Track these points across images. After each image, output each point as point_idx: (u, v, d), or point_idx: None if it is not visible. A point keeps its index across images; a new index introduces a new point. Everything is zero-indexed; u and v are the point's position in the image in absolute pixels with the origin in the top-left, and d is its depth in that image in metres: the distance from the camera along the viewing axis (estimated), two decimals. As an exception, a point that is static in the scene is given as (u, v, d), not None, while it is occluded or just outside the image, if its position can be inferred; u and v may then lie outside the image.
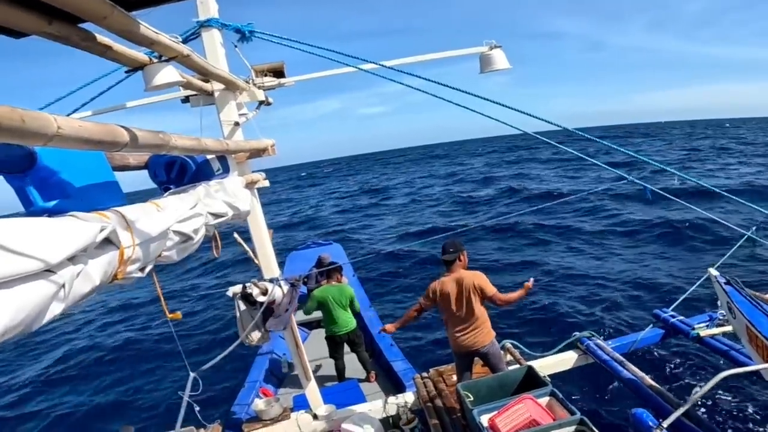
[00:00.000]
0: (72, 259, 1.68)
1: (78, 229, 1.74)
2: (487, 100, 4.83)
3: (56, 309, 1.58)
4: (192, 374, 3.12)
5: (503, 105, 4.83)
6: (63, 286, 1.59)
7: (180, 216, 2.66)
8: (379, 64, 5.37)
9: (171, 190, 3.11)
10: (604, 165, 5.93)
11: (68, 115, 3.90)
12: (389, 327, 6.47)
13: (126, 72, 3.25)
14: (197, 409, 3.16)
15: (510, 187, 36.36)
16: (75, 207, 1.96)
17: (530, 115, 4.89)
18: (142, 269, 2.30)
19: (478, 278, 5.96)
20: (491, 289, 5.94)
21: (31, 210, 2.04)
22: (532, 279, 6.04)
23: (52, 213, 1.84)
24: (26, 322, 1.43)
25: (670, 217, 20.13)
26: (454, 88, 4.90)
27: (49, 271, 1.54)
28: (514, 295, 5.99)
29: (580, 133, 5.33)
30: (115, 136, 1.89)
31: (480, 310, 5.98)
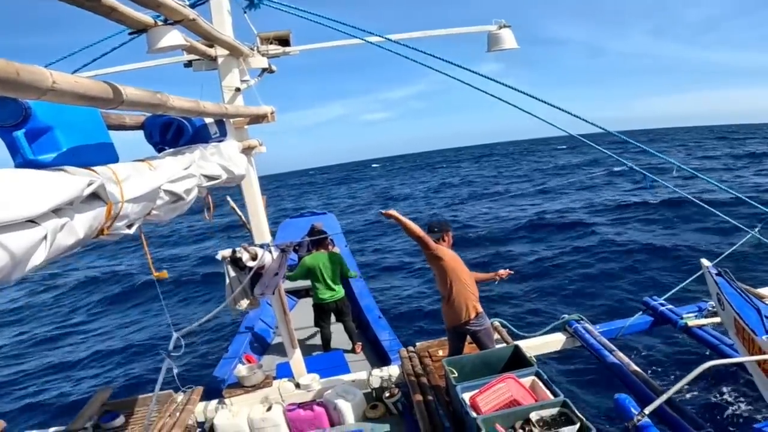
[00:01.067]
0: (57, 212, 1.69)
1: (65, 182, 1.75)
2: (527, 94, 4.84)
3: (37, 260, 1.59)
4: (175, 334, 3.12)
5: (550, 104, 4.86)
6: (45, 237, 1.60)
7: (172, 176, 2.66)
8: (385, 38, 5.33)
9: (166, 151, 3.10)
10: (609, 153, 5.93)
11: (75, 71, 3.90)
12: (392, 211, 6.11)
13: (129, 34, 3.22)
14: (176, 371, 3.15)
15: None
16: (65, 162, 1.96)
17: (577, 116, 4.94)
18: (129, 226, 2.31)
19: (454, 256, 5.99)
20: (460, 264, 6.02)
21: (19, 163, 2.03)
22: (507, 270, 6.22)
23: (40, 166, 1.83)
24: (5, 271, 1.44)
25: (671, 210, 20.19)
26: (483, 76, 4.91)
27: (32, 221, 1.54)
28: (482, 275, 6.27)
29: (619, 135, 5.36)
30: (111, 93, 1.89)
31: (459, 285, 5.92)
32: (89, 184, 1.85)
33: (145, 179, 2.35)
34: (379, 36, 5.34)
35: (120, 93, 1.95)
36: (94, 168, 2.03)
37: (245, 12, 5.34)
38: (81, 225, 1.82)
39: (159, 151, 3.33)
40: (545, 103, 5.00)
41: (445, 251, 5.95)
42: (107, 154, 2.44)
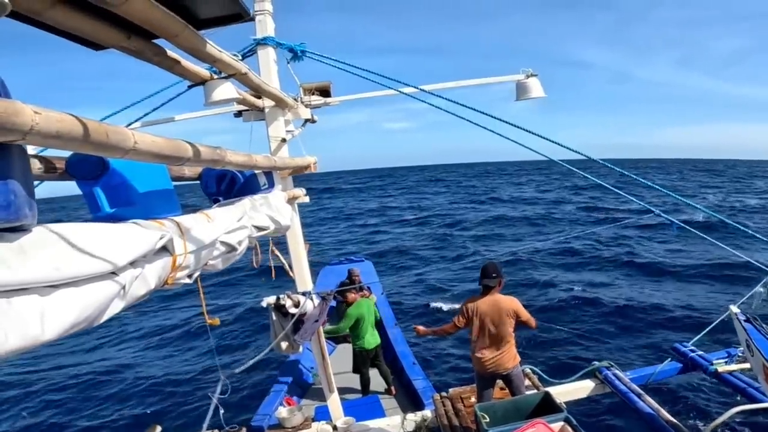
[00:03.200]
0: (132, 263, 1.83)
1: (140, 235, 1.90)
2: (519, 127, 4.97)
3: (116, 308, 1.73)
4: (222, 377, 3.24)
5: (535, 133, 4.99)
6: (124, 287, 1.74)
7: (228, 227, 2.80)
8: (420, 89, 5.51)
9: (220, 202, 3.26)
10: (630, 197, 5.97)
11: (130, 125, 4.12)
12: (421, 328, 6.59)
13: (189, 86, 3.42)
14: (222, 412, 3.27)
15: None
16: (137, 214, 2.11)
17: (562, 146, 5.04)
18: (189, 276, 2.44)
19: (515, 303, 6.08)
20: (525, 314, 6.10)
21: (97, 215, 2.18)
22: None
23: (115, 219, 1.98)
24: (90, 319, 1.58)
25: (695, 252, 20.02)
26: (487, 114, 5.05)
27: (113, 273, 1.68)
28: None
29: (607, 164, 5.46)
30: (181, 151, 2.04)
31: (511, 335, 6.07)
32: (161, 238, 1.99)
33: (206, 231, 2.48)
34: (413, 87, 5.53)
35: (188, 150, 2.10)
36: (162, 220, 2.18)
37: (288, 62, 5.59)
38: (152, 275, 1.96)
39: (213, 201, 3.49)
40: (559, 144, 5.10)
41: (475, 309, 6.11)
42: (171, 205, 2.60)
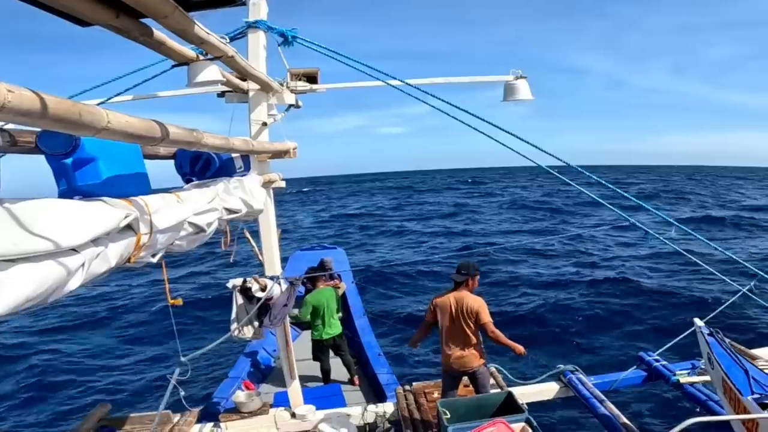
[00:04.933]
0: (94, 241, 1.82)
1: (105, 214, 1.88)
2: (508, 132, 4.99)
3: (73, 285, 1.71)
4: (183, 358, 3.23)
5: (522, 139, 5.01)
6: (83, 265, 1.73)
7: (197, 209, 2.79)
8: (405, 82, 5.49)
9: (193, 183, 3.24)
10: (609, 206, 6.02)
11: (109, 99, 4.08)
12: (413, 344, 6.70)
13: (173, 66, 3.39)
14: (182, 393, 3.26)
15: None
16: (105, 192, 2.10)
17: (545, 152, 5.07)
18: (154, 255, 2.43)
19: (478, 303, 6.02)
20: (485, 318, 5.99)
21: (63, 190, 2.17)
22: (524, 351, 6.13)
23: (83, 195, 1.96)
24: (46, 295, 1.57)
25: (668, 265, 20.25)
26: (477, 117, 5.06)
27: (73, 250, 1.67)
28: (507, 340, 6.06)
29: (588, 173, 5.51)
30: (155, 132, 2.03)
31: (474, 334, 6.06)
32: (126, 217, 1.98)
33: (173, 212, 2.47)
34: (399, 80, 5.51)
35: (163, 131, 2.09)
36: (130, 199, 2.16)
37: (279, 46, 5.56)
38: (113, 254, 1.95)
39: (187, 181, 3.47)
40: (543, 151, 5.13)
41: (438, 304, 6.20)
42: (142, 184, 2.59)
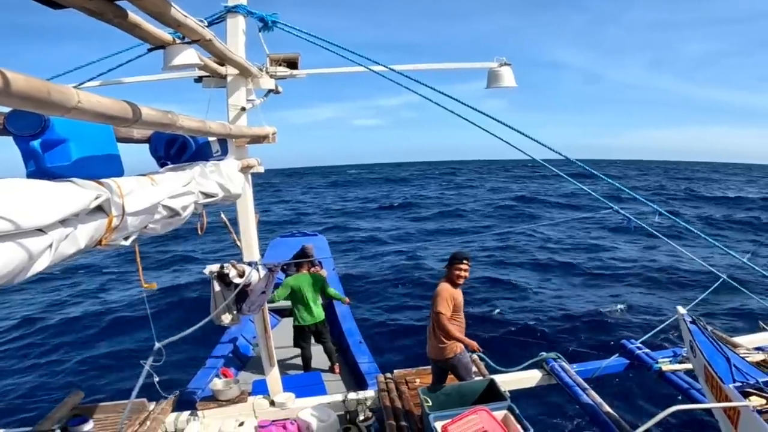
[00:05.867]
0: (63, 222, 1.78)
1: (73, 194, 1.84)
2: (502, 123, 4.96)
3: (40, 266, 1.67)
4: (157, 344, 3.19)
5: (516, 130, 4.97)
6: (50, 245, 1.68)
7: (172, 192, 2.74)
8: (389, 68, 5.43)
9: (168, 167, 3.19)
10: (598, 196, 6.02)
11: (81, 84, 4.00)
12: (475, 345, 6.11)
13: (149, 50, 3.34)
14: (157, 379, 3.22)
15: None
16: (76, 174, 2.04)
17: (541, 144, 5.04)
18: (126, 238, 2.39)
19: (437, 292, 5.91)
20: (436, 307, 5.84)
21: (31, 171, 2.12)
22: (477, 348, 5.97)
23: (52, 177, 1.92)
24: (10, 276, 1.52)
25: (651, 254, 20.48)
26: (468, 106, 5.02)
27: (40, 230, 1.63)
28: (457, 335, 5.87)
29: (583, 166, 5.50)
30: (128, 113, 1.98)
31: (437, 324, 5.91)
32: (96, 198, 1.94)
33: (147, 194, 2.43)
34: (383, 66, 5.45)
35: (136, 112, 2.04)
36: (101, 180, 2.11)
37: (259, 31, 5.49)
38: (83, 235, 1.90)
39: (161, 165, 3.42)
40: (528, 137, 5.10)
41: (439, 290, 5.99)
42: (114, 167, 2.54)
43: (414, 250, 21.60)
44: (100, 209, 2.03)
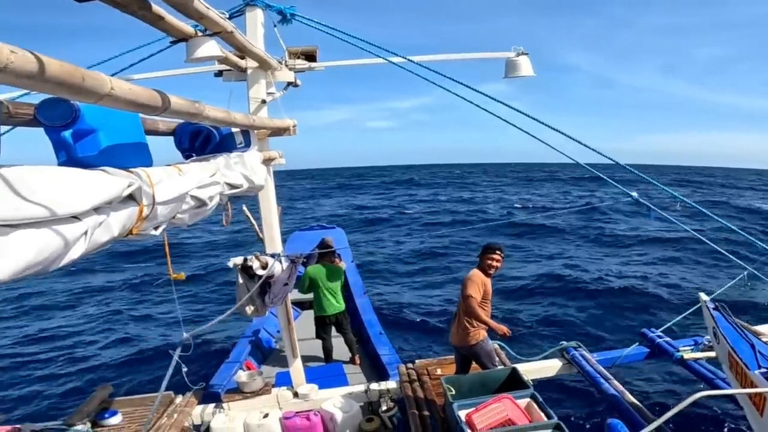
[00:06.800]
0: (97, 210, 1.79)
1: (107, 182, 1.86)
2: (538, 121, 4.92)
3: (75, 254, 1.70)
4: (185, 335, 3.21)
5: (559, 131, 4.92)
6: (85, 233, 1.71)
7: (199, 182, 2.76)
8: (407, 59, 5.41)
9: (193, 158, 3.21)
10: (614, 183, 5.98)
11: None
12: (504, 329, 6.09)
13: (171, 42, 3.35)
14: (185, 370, 3.25)
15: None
16: (106, 163, 2.06)
17: (584, 145, 5.00)
18: (156, 227, 2.41)
19: (469, 277, 5.99)
20: (468, 290, 5.87)
21: (63, 162, 2.13)
22: (506, 331, 5.91)
23: (83, 167, 1.93)
24: (46, 263, 1.55)
25: (672, 243, 20.36)
26: (494, 99, 5.00)
27: (75, 217, 1.65)
28: (487, 319, 5.90)
29: (628, 167, 5.46)
30: (158, 101, 2.00)
31: (464, 311, 5.97)
32: (128, 186, 1.96)
33: (175, 184, 2.45)
34: (402, 57, 5.42)
35: (165, 101, 2.06)
36: (132, 170, 2.14)
37: (275, 26, 5.51)
38: (116, 223, 1.93)
39: (186, 157, 3.44)
40: (558, 131, 5.05)
41: (471, 275, 6.05)
42: (143, 157, 2.55)
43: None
44: (131, 198, 2.06)
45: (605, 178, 5.89)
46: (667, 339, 7.33)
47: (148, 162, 2.56)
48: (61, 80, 1.38)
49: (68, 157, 2.12)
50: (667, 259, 18.88)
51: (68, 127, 2.10)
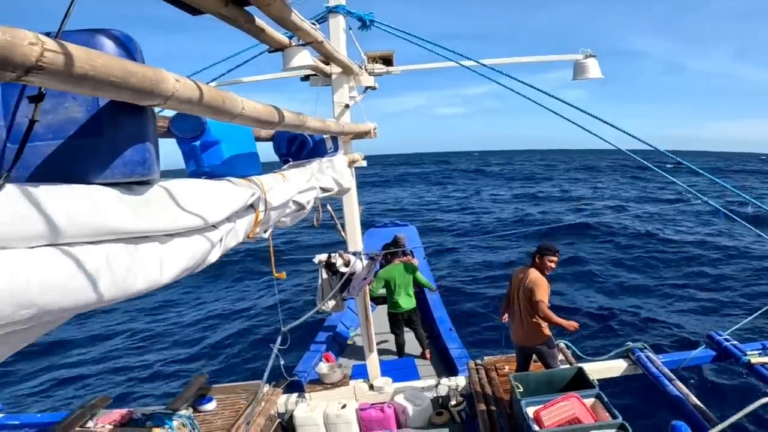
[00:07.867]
0: (228, 217, 2.02)
1: (235, 193, 2.08)
2: (591, 115, 4.97)
3: (212, 258, 1.92)
4: (283, 328, 3.44)
5: (606, 122, 4.96)
6: (221, 239, 1.93)
7: (300, 187, 2.98)
8: (479, 62, 5.53)
9: (290, 163, 3.44)
10: (685, 186, 5.95)
11: (208, 83, 4.31)
12: (501, 316, 6.76)
13: (269, 52, 3.59)
14: (282, 362, 3.49)
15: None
16: (227, 172, 2.30)
17: (631, 135, 5.02)
18: (265, 231, 2.64)
19: (535, 281, 6.06)
20: (538, 296, 5.97)
21: (192, 171, 2.38)
22: (576, 326, 6.09)
23: (209, 176, 2.16)
24: (194, 267, 1.77)
25: (741, 244, 19.84)
26: (557, 99, 5.06)
27: (214, 226, 1.88)
28: (558, 319, 6.01)
29: (672, 156, 5.43)
30: (274, 117, 2.22)
31: (529, 312, 6.13)
32: (251, 195, 2.18)
33: (283, 190, 2.66)
34: (474, 60, 5.55)
35: (280, 116, 2.27)
36: (249, 178, 2.36)
37: (350, 29, 5.73)
38: (241, 229, 2.15)
39: (284, 162, 3.68)
40: (634, 136, 5.07)
41: (513, 276, 6.39)
42: (255, 165, 2.79)
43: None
44: (250, 205, 2.28)
45: (678, 181, 5.88)
46: (735, 342, 7.24)
47: (259, 169, 2.79)
48: (208, 104, 1.58)
49: (197, 166, 2.36)
50: (731, 261, 18.41)
51: (197, 139, 2.35)
